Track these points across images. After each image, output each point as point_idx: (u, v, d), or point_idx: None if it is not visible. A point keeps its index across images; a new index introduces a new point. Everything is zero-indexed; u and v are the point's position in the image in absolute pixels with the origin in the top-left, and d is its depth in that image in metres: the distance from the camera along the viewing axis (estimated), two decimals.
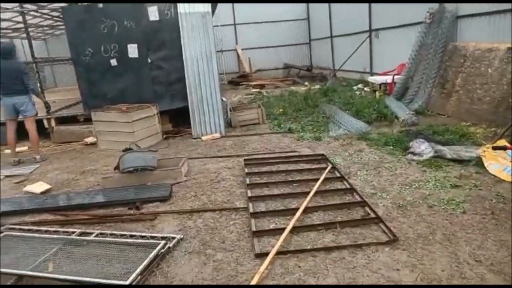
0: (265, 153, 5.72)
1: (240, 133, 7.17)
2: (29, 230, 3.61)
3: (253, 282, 2.54)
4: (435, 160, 4.65)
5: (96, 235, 3.38)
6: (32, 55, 7.88)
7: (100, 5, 6.95)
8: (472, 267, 2.59)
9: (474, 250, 2.79)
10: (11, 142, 6.26)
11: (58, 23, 12.30)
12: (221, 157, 5.70)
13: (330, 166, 4.70)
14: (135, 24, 7.06)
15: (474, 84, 6.58)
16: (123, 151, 4.97)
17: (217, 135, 6.98)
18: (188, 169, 5.11)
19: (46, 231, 3.55)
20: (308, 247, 2.98)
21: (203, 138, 6.88)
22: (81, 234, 3.45)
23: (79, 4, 7.03)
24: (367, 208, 3.55)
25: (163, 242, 3.07)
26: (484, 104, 6.26)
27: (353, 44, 12.56)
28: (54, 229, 3.60)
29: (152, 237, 3.25)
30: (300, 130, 6.88)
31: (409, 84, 8.33)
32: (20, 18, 9.47)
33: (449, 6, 7.61)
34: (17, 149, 6.51)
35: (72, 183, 5.06)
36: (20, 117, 6.21)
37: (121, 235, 3.33)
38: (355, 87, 11.05)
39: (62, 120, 7.84)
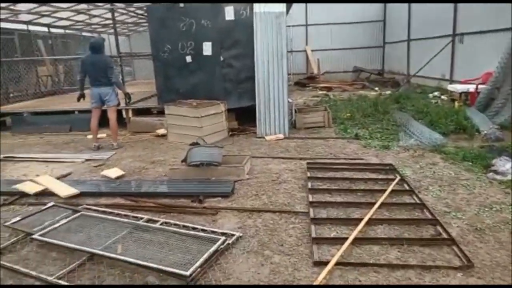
0: (329, 158, 5.58)
1: (304, 135, 7.09)
2: (103, 212, 3.91)
3: None
4: None
5: (161, 224, 3.55)
6: (118, 50, 8.52)
7: (182, 4, 7.32)
8: None
9: None
10: (94, 129, 6.85)
11: (141, 20, 13.18)
12: (283, 158, 5.67)
13: (398, 177, 4.44)
14: (211, 23, 7.33)
15: None
16: (191, 144, 5.18)
17: (281, 135, 6.97)
18: (251, 167, 5.16)
19: (118, 214, 3.81)
20: (371, 261, 2.83)
21: (267, 137, 6.92)
22: (148, 220, 3.65)
23: (163, 3, 7.46)
24: (438, 227, 3.28)
25: (223, 238, 3.12)
26: None
27: (432, 48, 11.77)
28: (124, 213, 3.86)
29: (213, 232, 3.33)
30: (368, 137, 6.60)
31: (495, 95, 7.57)
32: (109, 15, 10.33)
33: None
34: (98, 136, 7.10)
35: (142, 171, 5.37)
36: (104, 106, 6.76)
37: (184, 226, 3.46)
38: (430, 95, 10.42)
39: (138, 112, 8.39)
